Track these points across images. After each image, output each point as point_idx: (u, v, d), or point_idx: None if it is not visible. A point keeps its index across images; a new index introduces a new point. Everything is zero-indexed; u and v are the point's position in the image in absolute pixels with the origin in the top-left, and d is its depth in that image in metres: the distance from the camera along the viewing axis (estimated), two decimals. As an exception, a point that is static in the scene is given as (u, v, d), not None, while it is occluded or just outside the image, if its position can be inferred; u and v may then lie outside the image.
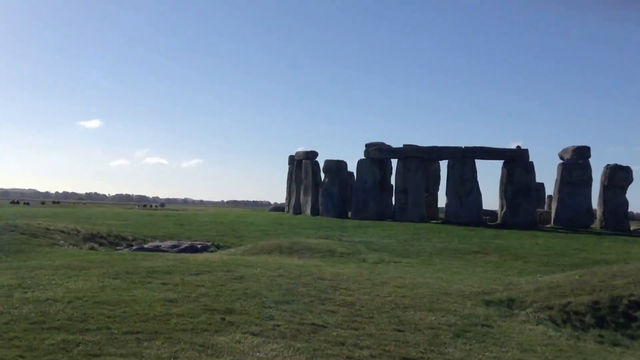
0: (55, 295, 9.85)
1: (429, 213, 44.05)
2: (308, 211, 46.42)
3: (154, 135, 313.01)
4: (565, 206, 39.73)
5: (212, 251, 20.14)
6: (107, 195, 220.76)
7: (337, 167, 45.83)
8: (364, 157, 44.47)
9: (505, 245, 25.72)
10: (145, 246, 20.00)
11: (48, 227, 20.80)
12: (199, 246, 20.49)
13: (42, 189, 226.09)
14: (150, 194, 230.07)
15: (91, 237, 20.93)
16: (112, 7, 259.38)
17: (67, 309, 8.92)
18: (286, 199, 52.72)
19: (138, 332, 7.88)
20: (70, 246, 18.59)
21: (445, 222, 40.49)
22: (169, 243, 20.47)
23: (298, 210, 48.19)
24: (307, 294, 11.60)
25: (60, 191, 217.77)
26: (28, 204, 66.55)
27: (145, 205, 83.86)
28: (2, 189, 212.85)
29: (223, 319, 9.00)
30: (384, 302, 11.60)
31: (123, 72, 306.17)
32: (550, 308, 12.26)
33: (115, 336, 7.63)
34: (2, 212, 33.60)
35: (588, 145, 41.11)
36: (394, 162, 44.17)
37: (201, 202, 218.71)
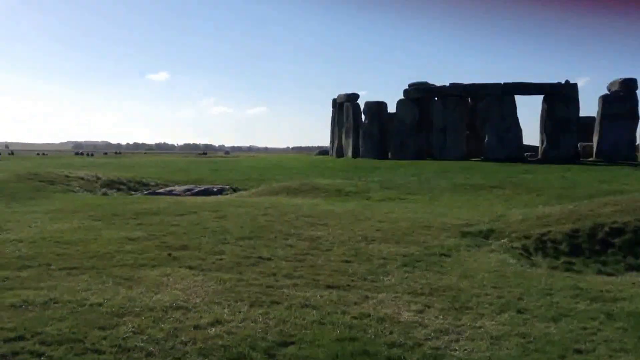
0: (24, 236, 10.53)
1: (472, 151, 43.28)
2: (349, 153, 46.48)
3: (218, 85, 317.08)
4: (605, 139, 38.38)
5: (226, 194, 20.66)
6: (175, 145, 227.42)
7: (377, 108, 45.45)
8: (403, 98, 43.91)
9: (527, 180, 25.23)
10: (158, 190, 20.73)
11: (68, 174, 21.81)
12: (214, 189, 21.06)
13: (114, 140, 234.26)
14: (216, 142, 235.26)
15: (110, 184, 21.85)
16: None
17: (24, 248, 9.56)
18: (330, 142, 52.87)
19: (74, 268, 8.38)
20: (85, 192, 19.50)
21: (484, 159, 39.83)
22: (184, 187, 21.13)
23: (340, 152, 48.32)
24: (277, 230, 11.92)
25: (131, 142, 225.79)
26: (91, 155, 69.19)
27: (204, 154, 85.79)
28: (76, 141, 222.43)
29: (169, 254, 9.44)
30: (352, 235, 11.81)
31: (187, 25, 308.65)
32: (528, 237, 12.15)
33: (49, 272, 8.13)
34: (48, 162, 35.20)
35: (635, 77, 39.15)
36: (435, 102, 43.39)
37: (266, 149, 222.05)
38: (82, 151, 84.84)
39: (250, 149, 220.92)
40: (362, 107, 46.61)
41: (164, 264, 8.87)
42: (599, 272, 10.15)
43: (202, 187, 21.12)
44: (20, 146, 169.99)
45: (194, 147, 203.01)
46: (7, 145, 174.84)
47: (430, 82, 45.47)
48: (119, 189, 21.42)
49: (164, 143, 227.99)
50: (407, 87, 44.67)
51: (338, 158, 47.06)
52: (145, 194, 19.96)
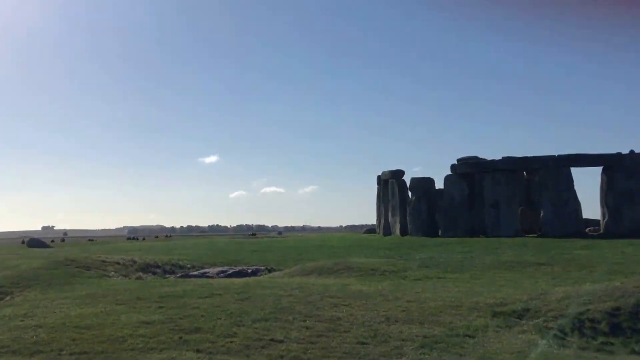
0: (46, 321, 10.58)
1: (529, 227, 42.05)
2: (397, 231, 45.86)
3: (269, 166, 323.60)
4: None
5: (260, 275, 20.46)
6: (228, 226, 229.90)
7: (424, 184, 45.05)
8: (451, 173, 43.49)
9: (581, 256, 24.15)
10: (192, 273, 20.70)
11: (105, 259, 22.09)
12: (249, 270, 20.90)
13: (168, 224, 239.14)
14: (269, 222, 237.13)
15: (145, 267, 21.99)
16: (219, 54, 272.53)
17: (43, 333, 9.59)
18: (376, 220, 52.42)
19: (84, 353, 8.35)
20: (120, 277, 19.64)
21: (541, 235, 38.57)
22: (217, 269, 21.06)
23: (387, 231, 47.75)
24: (297, 311, 11.61)
25: (185, 225, 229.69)
26: (142, 239, 70.44)
27: (254, 235, 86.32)
28: (131, 226, 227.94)
29: (180, 337, 9.24)
30: (375, 316, 11.38)
31: (237, 110, 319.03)
32: (564, 316, 11.46)
33: (60, 357, 8.05)
34: (94, 248, 35.85)
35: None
36: (485, 176, 42.72)
37: (319, 228, 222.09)
38: (134, 236, 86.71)
39: (303, 228, 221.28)
40: (407, 183, 46.28)
41: (173, 347, 8.71)
42: (633, 352, 9.39)
43: (237, 269, 21.02)
44: (78, 233, 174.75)
45: (247, 228, 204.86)
46: (65, 232, 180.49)
47: (481, 156, 44.98)
48: (154, 273, 21.52)
49: (217, 225, 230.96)
50: (455, 162, 44.31)
51: (385, 236, 46.48)
52: (178, 277, 19.96)
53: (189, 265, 23.12)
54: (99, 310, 11.71)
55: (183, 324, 10.23)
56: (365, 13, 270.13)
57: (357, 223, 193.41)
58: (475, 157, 44.53)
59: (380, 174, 50.57)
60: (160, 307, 11.85)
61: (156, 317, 10.77)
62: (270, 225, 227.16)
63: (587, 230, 40.08)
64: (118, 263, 21.90)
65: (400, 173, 47.67)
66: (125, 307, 12.10)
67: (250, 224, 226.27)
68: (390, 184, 47.92)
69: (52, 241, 61.84)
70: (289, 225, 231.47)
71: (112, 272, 20.00)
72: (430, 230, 43.13)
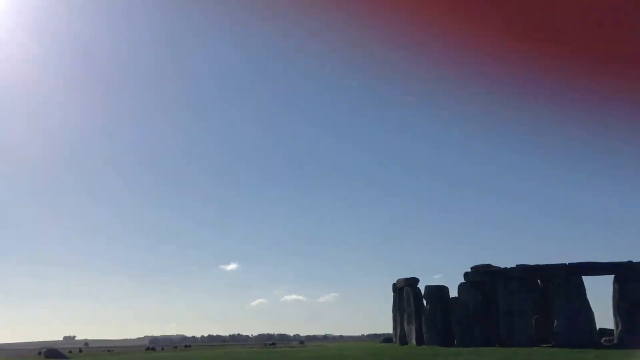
0: None
1: (545, 336, 41.32)
2: (413, 340, 45.28)
3: (288, 273, 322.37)
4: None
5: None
6: (249, 335, 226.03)
7: (438, 293, 44.93)
8: (464, 281, 43.43)
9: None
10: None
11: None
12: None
13: (189, 333, 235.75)
14: (291, 331, 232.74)
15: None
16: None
17: None
18: (393, 328, 51.82)
19: None
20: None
21: (555, 345, 37.87)
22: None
23: (404, 340, 47.12)
24: None
25: (206, 335, 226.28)
26: (162, 349, 69.89)
27: (273, 344, 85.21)
28: (152, 335, 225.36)
29: None
30: None
31: (257, 218, 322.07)
32: None
33: None
34: (110, 359, 35.83)
35: None
36: (499, 285, 42.52)
37: (340, 337, 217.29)
38: (153, 346, 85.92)
39: (325, 337, 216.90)
40: (422, 291, 46.16)
41: None
42: None
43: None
44: (99, 343, 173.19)
45: (268, 337, 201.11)
46: (86, 343, 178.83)
47: (495, 264, 44.93)
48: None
49: (238, 334, 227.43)
50: (469, 270, 44.27)
51: (402, 345, 45.83)
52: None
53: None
54: None
55: None
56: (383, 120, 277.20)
57: (379, 332, 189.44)
58: (489, 265, 44.51)
59: (395, 281, 50.55)
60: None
61: None
62: (292, 335, 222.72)
63: (602, 340, 39.30)
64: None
65: (415, 281, 47.68)
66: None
67: (272, 332, 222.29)
68: (405, 292, 47.83)
69: (70, 352, 61.67)
70: (311, 334, 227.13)
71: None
72: (446, 339, 42.56)
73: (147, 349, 76.13)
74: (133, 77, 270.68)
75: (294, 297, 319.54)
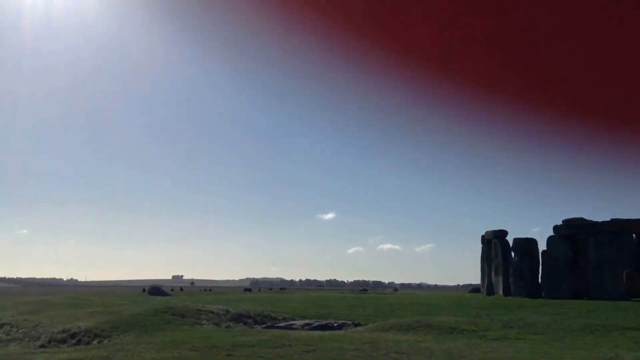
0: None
1: (635, 290, 40.58)
2: (500, 291, 45.67)
3: (386, 223, 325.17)
4: None
5: (345, 329, 21.92)
6: (345, 281, 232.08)
7: (527, 245, 44.82)
8: (554, 234, 43.05)
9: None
10: (278, 324, 22.52)
11: (201, 308, 24.41)
12: (335, 324, 22.48)
13: (288, 277, 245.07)
14: (385, 279, 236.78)
15: (237, 317, 24.06)
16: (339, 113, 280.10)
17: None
18: (480, 279, 52.16)
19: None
20: (211, 325, 21.75)
21: (646, 298, 37.29)
22: (304, 322, 22.76)
23: (491, 290, 47.56)
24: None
25: (304, 279, 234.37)
26: (253, 290, 73.59)
27: (364, 290, 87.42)
28: (253, 278, 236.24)
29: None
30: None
31: (354, 167, 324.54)
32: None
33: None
34: (202, 298, 38.54)
35: None
36: (590, 238, 41.89)
37: (435, 286, 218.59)
38: (250, 287, 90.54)
39: (420, 286, 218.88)
40: (511, 243, 46.15)
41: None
42: None
43: (323, 322, 22.61)
44: (203, 283, 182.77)
45: (364, 283, 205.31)
46: (192, 282, 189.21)
47: (588, 217, 44.15)
48: (245, 322, 23.53)
49: (335, 280, 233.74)
50: (559, 224, 43.78)
51: (488, 296, 46.32)
52: (264, 327, 21.84)
53: (280, 317, 24.96)
54: (172, 355, 13.55)
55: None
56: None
57: (475, 282, 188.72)
58: (581, 219, 43.77)
59: (484, 233, 50.68)
60: (229, 355, 13.62)
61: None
62: (387, 282, 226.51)
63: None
64: (212, 312, 24.16)
65: (503, 233, 47.67)
66: (197, 353, 13.95)
67: (367, 279, 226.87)
68: (493, 244, 47.97)
69: (172, 290, 66.26)
70: (406, 282, 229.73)
71: (205, 321, 22.23)
72: (533, 291, 42.68)
73: (245, 290, 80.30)
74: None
75: (389, 246, 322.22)
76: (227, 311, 24.87)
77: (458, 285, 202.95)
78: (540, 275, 43.61)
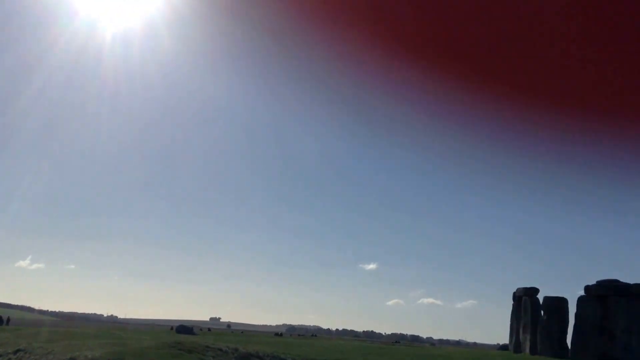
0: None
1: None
2: (527, 349, 44.57)
3: (427, 277, 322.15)
4: None
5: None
6: (382, 333, 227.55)
7: (556, 304, 43.93)
8: (584, 294, 42.05)
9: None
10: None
11: (210, 345, 24.66)
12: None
13: (325, 325, 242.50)
14: (424, 333, 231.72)
15: (245, 356, 24.30)
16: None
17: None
18: (509, 336, 51.00)
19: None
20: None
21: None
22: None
23: (518, 348, 46.49)
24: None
25: (340, 328, 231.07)
26: (282, 334, 73.30)
27: (397, 342, 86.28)
28: (290, 324, 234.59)
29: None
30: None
31: (398, 220, 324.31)
32: None
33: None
34: (225, 338, 38.80)
35: None
36: (620, 301, 40.74)
37: (474, 344, 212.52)
38: (281, 332, 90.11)
39: (458, 342, 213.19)
40: (541, 301, 45.19)
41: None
42: None
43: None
44: (240, 326, 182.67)
45: (401, 337, 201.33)
46: (229, 325, 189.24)
47: (623, 280, 42.92)
48: (251, 361, 23.69)
49: (372, 331, 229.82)
50: (591, 284, 42.71)
51: (515, 353, 45.25)
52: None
53: (288, 359, 24.99)
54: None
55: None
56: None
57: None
58: (616, 281, 42.64)
59: (515, 290, 49.75)
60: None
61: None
62: (425, 337, 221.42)
63: None
64: (220, 349, 24.46)
65: (535, 291, 46.91)
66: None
67: (405, 333, 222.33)
68: (523, 301, 47.07)
69: (201, 330, 66.49)
70: (444, 338, 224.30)
71: (211, 357, 22.48)
72: (560, 351, 41.77)
73: (275, 334, 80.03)
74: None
75: (430, 300, 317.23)
76: (236, 349, 25.12)
77: (498, 344, 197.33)
78: (568, 335, 42.46)
